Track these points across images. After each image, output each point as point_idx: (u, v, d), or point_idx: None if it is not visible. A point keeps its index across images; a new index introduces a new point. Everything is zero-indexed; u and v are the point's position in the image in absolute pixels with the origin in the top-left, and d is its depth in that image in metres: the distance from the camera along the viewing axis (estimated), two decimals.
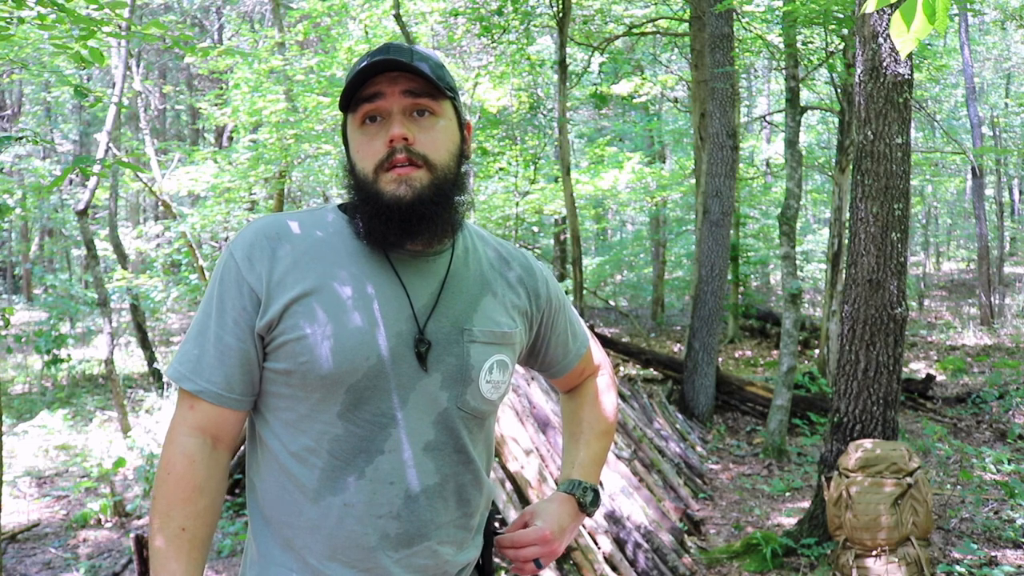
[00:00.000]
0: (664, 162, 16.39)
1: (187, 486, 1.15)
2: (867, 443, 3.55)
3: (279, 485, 1.18)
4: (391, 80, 1.16)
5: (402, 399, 1.17)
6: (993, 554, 3.93)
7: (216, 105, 11.14)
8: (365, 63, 1.16)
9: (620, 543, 3.73)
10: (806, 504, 4.54)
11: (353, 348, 1.13)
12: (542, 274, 1.37)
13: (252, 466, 1.23)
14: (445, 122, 1.20)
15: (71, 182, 15.87)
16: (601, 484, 4.07)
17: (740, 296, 12.24)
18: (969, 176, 16.38)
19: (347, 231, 1.21)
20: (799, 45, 7.56)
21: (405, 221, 1.15)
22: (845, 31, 7.28)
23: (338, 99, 1.20)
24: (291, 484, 1.17)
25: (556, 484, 1.46)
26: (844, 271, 4.58)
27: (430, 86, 1.18)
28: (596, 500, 1.36)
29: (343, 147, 1.26)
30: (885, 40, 3.84)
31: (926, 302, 15.39)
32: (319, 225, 1.22)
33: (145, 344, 9.49)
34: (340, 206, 1.26)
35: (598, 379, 1.50)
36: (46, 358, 8.52)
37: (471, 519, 1.25)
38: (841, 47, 7.79)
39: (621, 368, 9.56)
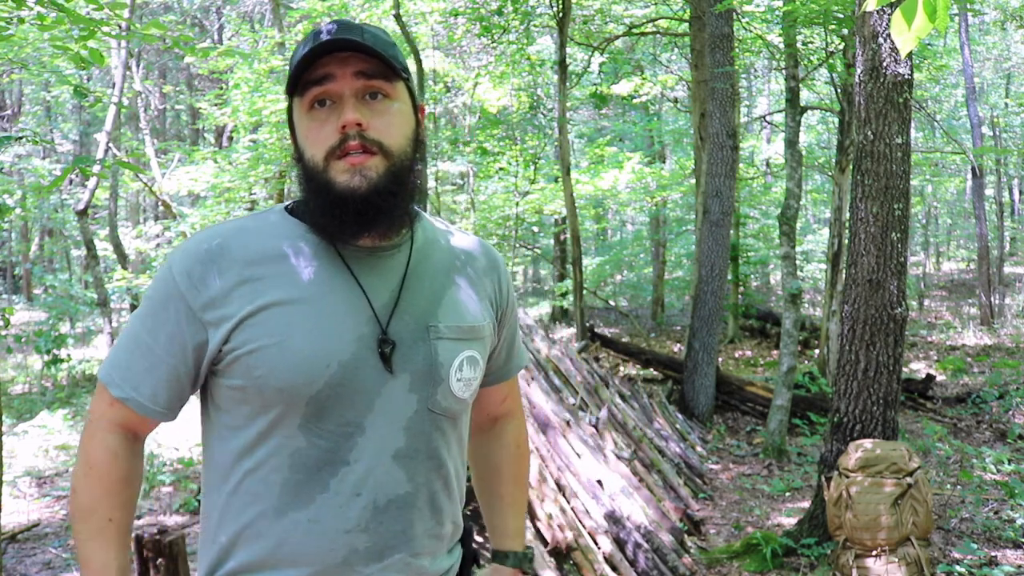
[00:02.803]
0: (664, 162, 16.39)
1: (112, 479, 1.13)
2: (867, 443, 3.55)
3: (239, 502, 1.12)
4: (341, 61, 1.08)
5: (368, 405, 1.10)
6: (993, 554, 3.93)
7: (216, 105, 11.14)
8: (312, 43, 1.07)
9: (620, 543, 3.73)
10: (806, 504, 4.54)
11: (310, 357, 1.07)
12: (503, 266, 1.31)
13: (209, 483, 1.17)
14: (399, 105, 1.13)
15: (71, 182, 15.88)
16: (600, 483, 4.04)
17: (740, 296, 12.24)
18: (969, 176, 16.38)
19: (296, 233, 1.14)
20: (799, 45, 7.56)
21: (360, 213, 1.08)
22: (845, 31, 7.28)
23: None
24: (251, 501, 1.11)
25: (497, 551, 1.41)
26: (844, 271, 4.58)
27: (383, 67, 1.10)
28: (532, 556, 1.40)
29: (290, 134, 1.17)
30: (885, 40, 3.84)
31: (926, 302, 15.39)
32: (265, 230, 1.14)
33: None
34: (287, 207, 1.18)
35: (518, 424, 1.44)
36: (46, 358, 8.52)
37: (443, 527, 1.20)
38: (841, 47, 7.79)
39: (621, 368, 9.56)
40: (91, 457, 1.13)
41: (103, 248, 12.15)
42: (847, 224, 4.46)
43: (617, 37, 11.57)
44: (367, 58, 1.09)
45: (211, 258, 1.10)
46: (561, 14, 9.04)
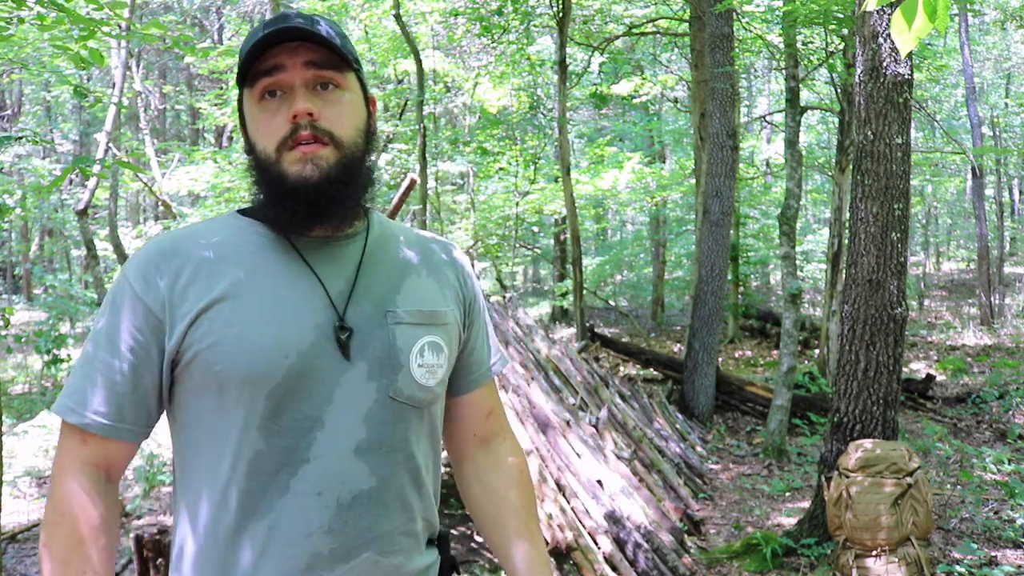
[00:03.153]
0: (664, 162, 16.40)
1: (86, 526, 1.04)
2: (867, 443, 3.55)
3: (201, 516, 1.08)
4: (291, 51, 1.07)
5: (326, 397, 1.06)
6: (993, 554, 3.93)
7: (216, 105, 11.15)
8: (262, 32, 1.06)
9: (620, 543, 3.73)
10: (806, 504, 4.54)
11: (269, 347, 1.04)
12: (466, 262, 1.29)
13: (175, 499, 1.13)
14: (350, 95, 1.12)
15: (71, 182, 15.89)
16: (600, 483, 4.01)
17: (740, 296, 12.24)
18: (969, 176, 16.39)
19: (249, 230, 1.13)
20: (799, 45, 7.57)
21: (312, 203, 1.07)
22: (845, 31, 7.28)
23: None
24: (211, 513, 1.06)
25: None
26: (844, 271, 4.58)
27: (334, 57, 1.09)
28: None
29: (240, 125, 1.15)
30: (885, 40, 3.84)
31: (926, 302, 15.39)
32: (218, 231, 1.13)
33: None
34: (240, 210, 1.17)
35: (513, 445, 1.34)
36: (46, 358, 8.52)
37: (414, 524, 1.14)
38: (841, 47, 7.79)
39: (621, 368, 9.56)
40: (60, 502, 1.05)
41: (103, 248, 12.16)
42: (847, 224, 4.46)
43: (617, 37, 11.57)
44: (317, 47, 1.07)
45: (165, 259, 1.08)
46: (561, 14, 9.04)
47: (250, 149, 1.12)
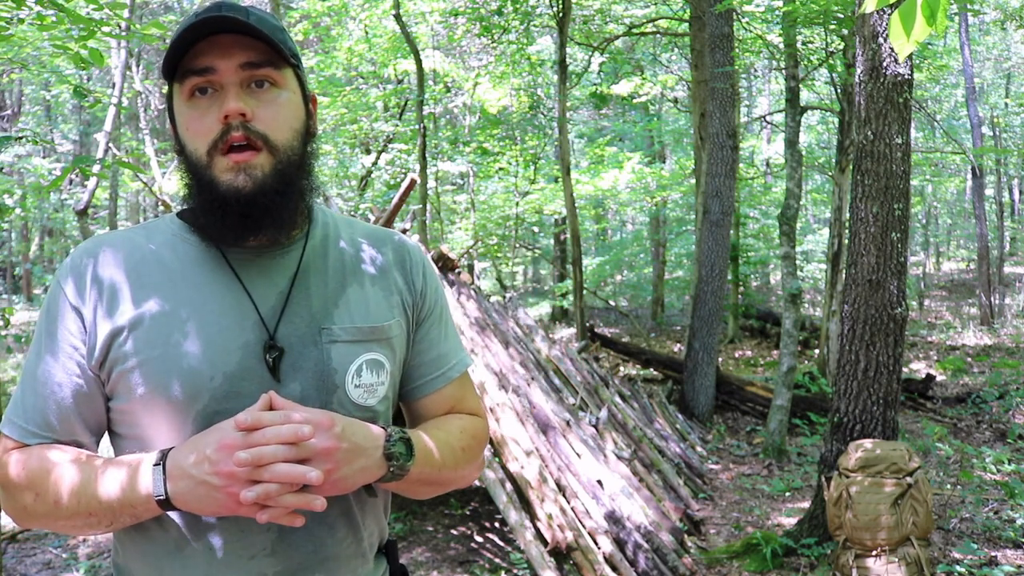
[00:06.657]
0: (664, 162, 16.40)
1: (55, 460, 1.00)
2: (867, 443, 3.55)
3: (135, 539, 1.04)
4: (224, 52, 0.99)
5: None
6: (993, 554, 3.94)
7: None
8: (192, 21, 0.97)
9: (620, 543, 3.73)
10: (806, 504, 4.54)
11: (194, 369, 0.98)
12: (420, 261, 1.18)
13: None
14: (288, 95, 1.04)
15: (71, 182, 15.89)
16: (601, 483, 4.02)
17: (740, 296, 12.24)
18: (969, 176, 16.39)
19: (180, 237, 1.07)
20: (799, 45, 7.57)
21: (244, 215, 1.00)
22: (845, 31, 7.28)
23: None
24: (147, 537, 1.03)
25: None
26: (844, 271, 4.58)
27: (271, 52, 1.01)
28: (407, 454, 1.03)
29: (170, 122, 1.07)
30: (885, 40, 3.84)
31: (926, 302, 15.39)
32: (151, 238, 1.07)
33: None
34: (179, 212, 1.11)
35: (471, 417, 1.23)
36: None
37: (361, 542, 1.10)
38: (841, 47, 7.80)
39: (621, 368, 9.56)
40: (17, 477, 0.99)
41: None
42: (847, 224, 4.47)
43: (617, 37, 11.57)
44: (253, 42, 1.00)
45: (93, 264, 1.03)
46: (561, 14, 9.04)
47: (180, 149, 1.04)
